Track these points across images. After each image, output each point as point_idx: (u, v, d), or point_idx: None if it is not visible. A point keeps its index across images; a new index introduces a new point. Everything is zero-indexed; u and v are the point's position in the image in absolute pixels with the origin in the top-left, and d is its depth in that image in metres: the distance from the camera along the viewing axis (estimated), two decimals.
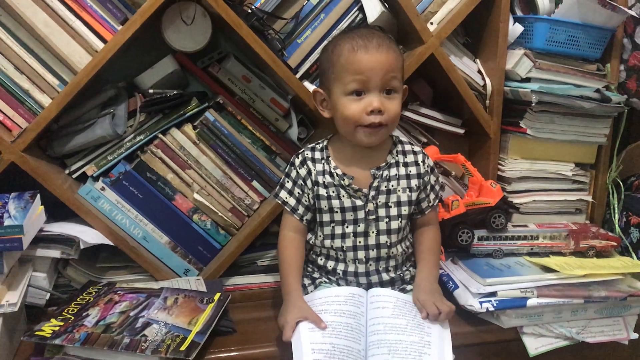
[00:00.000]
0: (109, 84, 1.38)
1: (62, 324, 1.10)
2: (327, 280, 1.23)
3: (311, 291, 1.21)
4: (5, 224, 1.05)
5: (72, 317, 1.13)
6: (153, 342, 1.05)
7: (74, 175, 1.32)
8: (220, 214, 1.37)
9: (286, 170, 1.23)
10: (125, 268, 1.35)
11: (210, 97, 1.45)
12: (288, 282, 1.15)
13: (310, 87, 1.35)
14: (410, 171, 1.20)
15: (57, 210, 1.29)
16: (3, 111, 1.23)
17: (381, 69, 1.11)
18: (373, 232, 1.19)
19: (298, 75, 1.36)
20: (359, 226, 1.18)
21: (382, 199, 1.18)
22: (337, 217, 1.19)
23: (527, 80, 1.43)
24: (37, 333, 1.06)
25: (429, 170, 1.23)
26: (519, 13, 1.47)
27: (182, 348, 1.04)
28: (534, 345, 1.26)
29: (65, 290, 1.29)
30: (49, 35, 1.23)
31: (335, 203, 1.18)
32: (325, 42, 1.32)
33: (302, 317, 1.06)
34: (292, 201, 1.19)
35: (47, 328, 1.08)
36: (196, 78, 1.48)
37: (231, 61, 1.44)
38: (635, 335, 1.30)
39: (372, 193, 1.18)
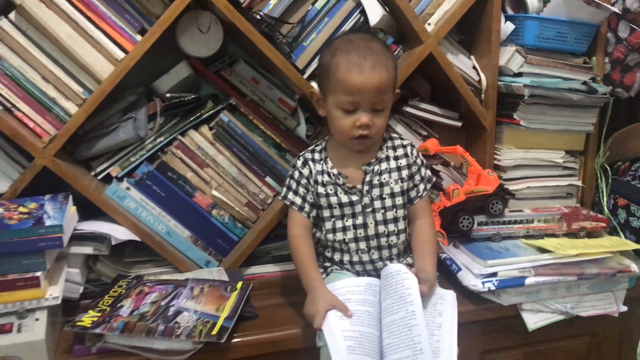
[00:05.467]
0: (127, 90, 1.46)
1: (99, 314, 1.19)
2: (338, 268, 1.31)
3: (324, 279, 1.29)
4: (46, 224, 1.13)
5: (108, 308, 1.21)
6: (186, 328, 1.14)
7: (99, 177, 1.40)
8: (237, 208, 1.46)
9: (289, 172, 1.32)
10: (151, 262, 1.43)
11: (221, 99, 1.53)
12: (309, 273, 1.22)
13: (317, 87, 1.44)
14: (400, 163, 1.29)
15: (84, 210, 1.37)
16: (33, 119, 1.30)
17: (372, 91, 1.17)
18: (371, 223, 1.27)
19: (305, 76, 1.44)
20: (357, 219, 1.27)
21: (376, 192, 1.27)
22: (337, 212, 1.27)
23: (519, 74, 1.52)
24: (78, 324, 1.15)
25: (417, 160, 1.31)
26: (509, 12, 1.56)
27: (214, 332, 1.13)
28: (532, 320, 1.36)
29: (96, 285, 1.37)
30: (73, 46, 1.31)
31: (334, 199, 1.27)
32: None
33: (331, 305, 1.12)
34: (298, 200, 1.28)
35: (87, 319, 1.17)
36: (208, 81, 1.56)
37: (241, 64, 1.52)
38: (624, 308, 1.41)
39: (366, 187, 1.26)
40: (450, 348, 1.12)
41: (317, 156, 1.29)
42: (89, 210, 1.37)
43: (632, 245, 1.43)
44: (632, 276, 1.41)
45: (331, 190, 1.27)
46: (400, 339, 1.09)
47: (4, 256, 1.11)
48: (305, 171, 1.28)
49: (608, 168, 1.66)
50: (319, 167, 1.28)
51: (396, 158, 1.29)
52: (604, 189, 1.65)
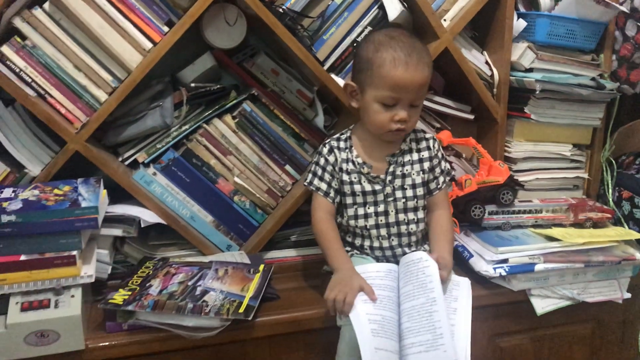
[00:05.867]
0: (153, 79, 1.51)
1: (130, 293, 1.24)
2: (359, 252, 1.37)
3: None
4: (82, 205, 1.18)
5: (138, 288, 1.27)
6: (214, 307, 1.20)
7: (126, 163, 1.45)
8: (257, 195, 1.52)
9: (314, 159, 1.36)
10: (175, 245, 1.49)
11: (242, 89, 1.59)
12: (338, 255, 1.27)
13: (337, 79, 1.50)
14: (423, 155, 1.34)
15: (109, 194, 1.42)
16: (65, 105, 1.35)
17: (414, 88, 1.23)
18: (392, 211, 1.33)
19: (325, 68, 1.49)
20: (379, 207, 1.33)
21: (398, 182, 1.32)
22: (359, 199, 1.33)
23: (530, 70, 1.58)
24: (110, 301, 1.20)
25: (438, 154, 1.36)
26: (522, 9, 1.62)
27: (241, 310, 1.19)
28: (540, 305, 1.42)
29: (123, 266, 1.43)
30: (103, 36, 1.35)
31: (357, 187, 1.32)
32: (365, 35, 1.48)
33: (361, 287, 1.17)
34: (323, 186, 1.33)
35: (118, 297, 1.22)
36: (228, 72, 1.61)
37: (261, 56, 1.58)
38: (628, 295, 1.48)
39: (389, 178, 1.32)
40: (465, 331, 1.18)
41: (342, 144, 1.34)
42: (114, 194, 1.42)
43: (636, 235, 1.49)
44: (636, 264, 1.47)
45: (355, 178, 1.32)
46: (420, 323, 1.14)
47: (42, 235, 1.16)
48: (331, 158, 1.33)
49: (613, 161, 1.72)
50: (344, 155, 1.33)
51: (419, 150, 1.34)
52: (609, 181, 1.71)
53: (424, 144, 1.35)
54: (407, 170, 1.33)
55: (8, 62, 1.30)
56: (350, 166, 1.32)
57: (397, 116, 1.25)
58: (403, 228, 1.34)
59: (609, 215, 1.59)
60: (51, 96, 1.35)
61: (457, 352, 1.13)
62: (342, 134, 1.37)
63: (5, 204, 1.17)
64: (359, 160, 1.32)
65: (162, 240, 1.49)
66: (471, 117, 1.65)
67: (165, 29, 1.40)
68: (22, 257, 1.16)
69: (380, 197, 1.32)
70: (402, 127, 1.26)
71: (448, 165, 1.40)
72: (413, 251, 1.33)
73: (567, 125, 1.63)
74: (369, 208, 1.32)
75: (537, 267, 1.39)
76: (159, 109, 1.43)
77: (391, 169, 1.32)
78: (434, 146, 1.36)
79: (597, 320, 1.54)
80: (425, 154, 1.35)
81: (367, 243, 1.35)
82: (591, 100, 1.61)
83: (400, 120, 1.25)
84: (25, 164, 1.35)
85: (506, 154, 1.64)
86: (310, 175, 1.35)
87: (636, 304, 1.55)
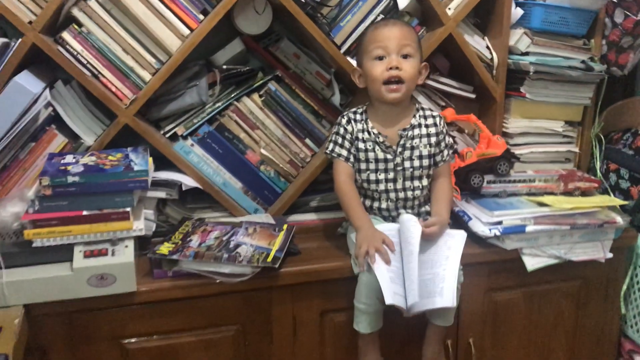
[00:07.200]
0: (190, 62, 1.70)
1: (173, 246, 1.44)
2: (367, 213, 1.53)
3: None
4: (135, 169, 1.39)
5: (180, 242, 1.47)
6: (246, 257, 1.40)
7: (167, 135, 1.65)
8: (280, 165, 1.71)
9: (334, 130, 1.55)
10: (209, 208, 1.69)
11: (267, 71, 1.77)
12: (361, 214, 1.46)
13: (352, 61, 1.68)
14: (430, 131, 1.53)
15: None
16: (114, 84, 1.55)
17: (396, 37, 1.45)
18: (400, 179, 1.52)
19: (342, 52, 1.67)
20: (389, 174, 1.52)
21: (407, 153, 1.51)
22: (372, 166, 1.52)
23: (526, 54, 1.75)
24: (157, 252, 1.40)
25: (443, 130, 1.55)
26: None
27: (269, 260, 1.39)
28: (531, 262, 1.60)
29: (167, 224, 1.63)
30: (148, 23, 1.54)
31: (371, 155, 1.51)
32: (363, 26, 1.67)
33: (383, 240, 1.38)
34: (344, 152, 1.52)
35: (164, 248, 1.42)
36: (255, 56, 1.80)
37: (285, 41, 1.76)
38: (610, 255, 1.65)
39: (399, 149, 1.51)
40: (454, 274, 1.36)
41: (358, 117, 1.53)
42: (155, 163, 1.61)
43: (619, 202, 1.67)
44: (618, 228, 1.65)
45: (370, 146, 1.50)
46: (406, 273, 1.34)
47: (101, 194, 1.36)
48: (350, 128, 1.52)
49: (602, 137, 1.89)
50: (360, 126, 1.52)
51: (426, 126, 1.53)
52: (598, 155, 1.88)
53: (430, 120, 1.54)
54: (415, 143, 1.51)
55: (68, 47, 1.50)
56: (366, 135, 1.51)
57: (389, 64, 1.44)
58: (409, 193, 1.53)
59: (595, 185, 1.76)
60: (103, 76, 1.54)
61: (444, 293, 1.33)
62: (357, 108, 1.56)
63: (69, 167, 1.37)
64: (375, 130, 1.51)
65: (198, 203, 1.70)
66: (473, 96, 1.82)
67: (201, 17, 1.59)
68: (84, 213, 1.36)
69: (391, 165, 1.51)
70: (395, 73, 1.44)
71: (451, 140, 1.58)
72: (414, 212, 1.53)
73: (559, 103, 1.79)
74: (380, 174, 1.51)
75: (528, 229, 1.57)
76: (195, 88, 1.62)
77: (402, 142, 1.50)
78: (440, 123, 1.55)
79: (584, 278, 1.71)
80: (433, 129, 1.53)
81: (375, 204, 1.54)
82: (581, 81, 1.77)
83: (392, 66, 1.44)
84: (80, 135, 1.56)
85: (504, 130, 1.81)
86: (331, 145, 1.53)
87: (619, 264, 1.72)
